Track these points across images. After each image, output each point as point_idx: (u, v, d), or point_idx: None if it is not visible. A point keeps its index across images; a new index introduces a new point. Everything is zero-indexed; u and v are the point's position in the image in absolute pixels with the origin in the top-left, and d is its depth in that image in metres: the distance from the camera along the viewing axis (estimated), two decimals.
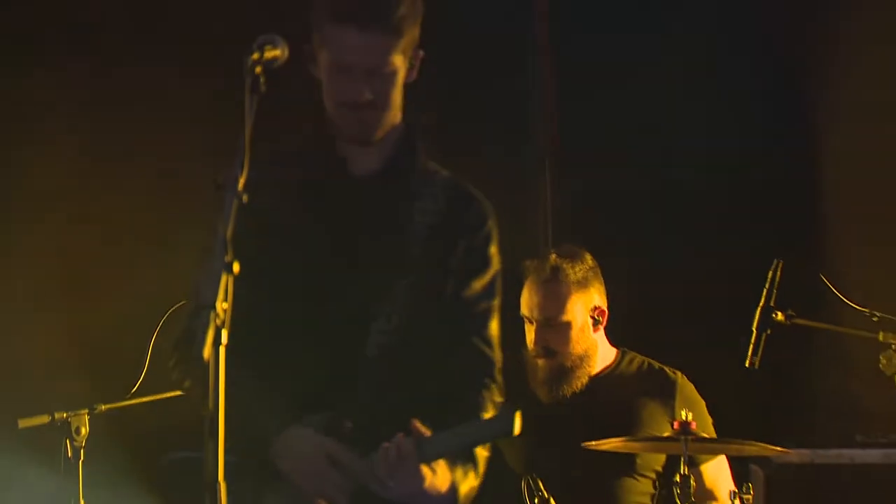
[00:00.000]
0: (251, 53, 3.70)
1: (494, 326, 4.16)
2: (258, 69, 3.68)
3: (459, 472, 3.95)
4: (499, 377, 4.14)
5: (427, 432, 3.86)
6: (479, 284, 4.13)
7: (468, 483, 3.99)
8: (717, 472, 5.78)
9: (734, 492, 5.38)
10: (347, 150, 4.10)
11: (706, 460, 5.72)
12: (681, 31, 7.14)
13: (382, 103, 4.01)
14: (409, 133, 4.13)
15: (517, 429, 3.76)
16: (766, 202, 7.10)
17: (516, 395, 5.92)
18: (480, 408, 4.06)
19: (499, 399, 4.12)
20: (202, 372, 3.89)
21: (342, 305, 4.03)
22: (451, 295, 4.10)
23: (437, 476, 3.90)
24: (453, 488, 3.94)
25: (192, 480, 4.04)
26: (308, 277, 4.04)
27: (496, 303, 4.16)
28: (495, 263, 4.16)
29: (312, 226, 4.07)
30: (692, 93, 7.11)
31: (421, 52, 4.03)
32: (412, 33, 4.00)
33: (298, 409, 3.96)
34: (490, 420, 3.92)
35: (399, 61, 3.99)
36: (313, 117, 4.11)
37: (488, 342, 4.15)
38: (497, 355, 4.15)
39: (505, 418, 3.81)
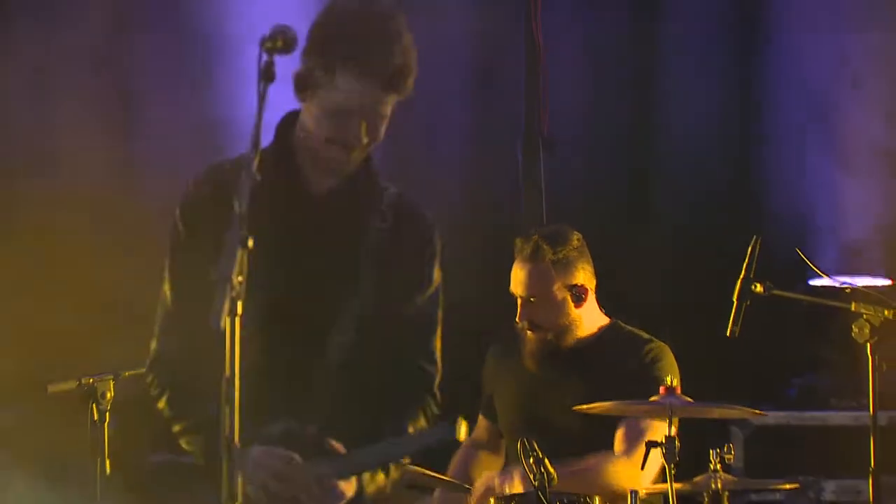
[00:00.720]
0: (265, 42, 3.72)
1: (436, 340, 4.15)
2: (270, 55, 3.71)
3: (367, 476, 3.98)
4: (436, 392, 4.14)
5: (342, 450, 3.91)
6: (421, 299, 4.12)
7: (375, 483, 4.01)
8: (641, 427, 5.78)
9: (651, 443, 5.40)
10: (309, 172, 4.06)
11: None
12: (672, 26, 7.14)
13: (372, 140, 3.98)
14: (367, 156, 4.06)
15: (462, 435, 3.77)
16: (745, 185, 7.11)
17: (511, 362, 6.01)
18: (413, 415, 4.08)
19: (435, 411, 4.13)
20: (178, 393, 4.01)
21: (307, 318, 4.04)
22: (396, 310, 4.09)
23: (347, 485, 3.95)
24: (360, 490, 3.97)
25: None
26: (270, 291, 3.97)
27: (438, 316, 4.15)
28: (437, 278, 4.14)
29: (272, 240, 3.94)
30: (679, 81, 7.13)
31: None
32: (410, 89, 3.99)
33: (263, 416, 3.95)
34: (434, 429, 3.93)
35: (394, 101, 3.97)
36: (276, 140, 4.06)
37: (429, 357, 4.14)
38: (437, 369, 4.15)
39: (446, 428, 3.81)
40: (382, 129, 3.97)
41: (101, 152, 6.94)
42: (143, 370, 5.68)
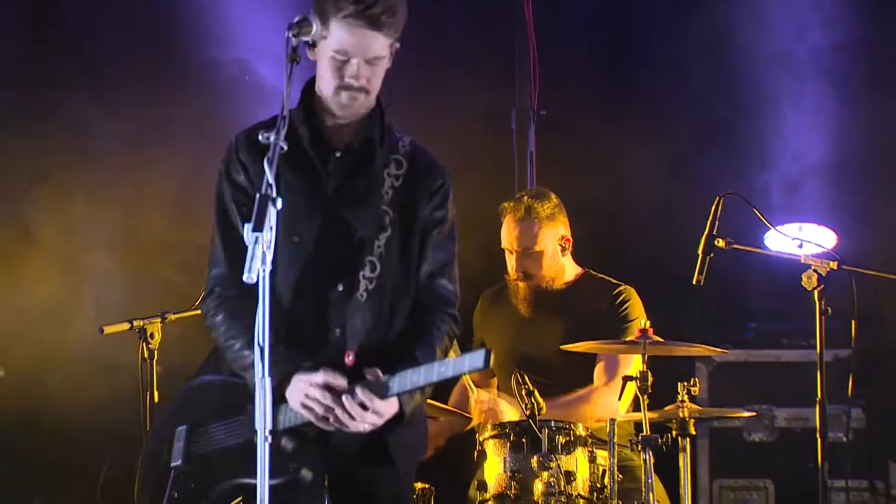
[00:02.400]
0: (290, 29, 3.75)
1: (454, 269, 4.18)
2: (296, 42, 3.73)
3: (406, 397, 3.97)
4: (457, 313, 4.16)
5: (379, 376, 3.90)
6: (439, 235, 4.14)
7: (413, 402, 4.02)
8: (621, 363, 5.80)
9: (626, 377, 5.42)
10: (330, 129, 4.08)
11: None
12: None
13: (372, 89, 4.02)
14: (381, 111, 4.12)
15: (491, 363, 3.76)
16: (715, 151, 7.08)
17: (502, 309, 6.02)
18: (440, 336, 4.08)
19: (457, 331, 4.16)
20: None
21: (338, 258, 4.04)
22: (419, 246, 4.11)
23: (388, 405, 3.95)
24: (401, 408, 3.97)
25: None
26: (309, 234, 4.04)
27: (454, 250, 4.17)
28: (452, 215, 4.16)
29: (303, 193, 4.05)
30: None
31: (398, 45, 4.03)
32: (399, 31, 4.01)
33: (307, 347, 3.99)
34: (463, 356, 3.86)
35: (387, 53, 4.00)
36: (300, 103, 4.09)
37: (450, 284, 4.16)
38: (457, 292, 4.17)
39: (478, 354, 3.79)
40: (379, 73, 4.02)
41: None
42: (187, 313, 5.71)
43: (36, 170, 6.87)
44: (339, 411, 3.88)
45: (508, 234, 5.93)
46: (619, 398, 5.59)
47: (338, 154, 4.08)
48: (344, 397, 3.88)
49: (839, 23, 7.05)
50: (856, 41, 7.05)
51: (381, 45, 3.96)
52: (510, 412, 5.67)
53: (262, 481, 3.49)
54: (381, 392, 3.89)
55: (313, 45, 3.95)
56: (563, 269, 5.97)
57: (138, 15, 7.05)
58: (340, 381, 3.90)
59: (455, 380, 6.07)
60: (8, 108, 6.96)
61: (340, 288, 4.02)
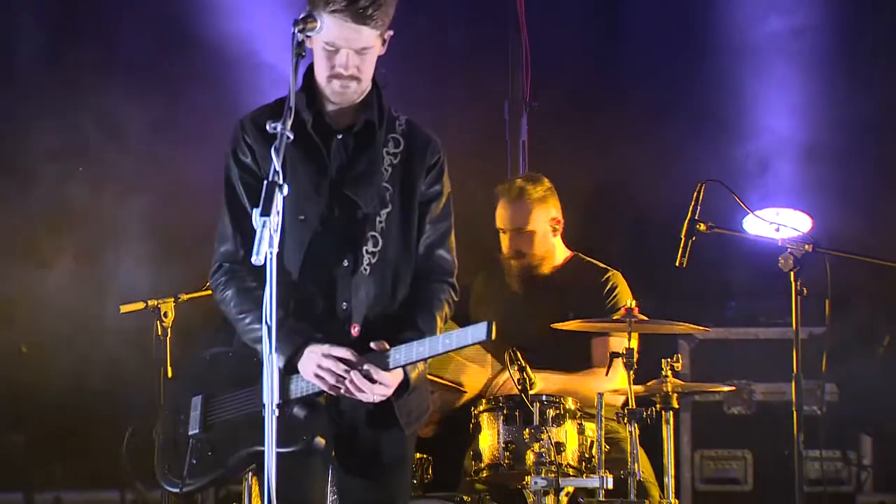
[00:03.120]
0: (296, 24, 3.74)
1: (451, 240, 4.19)
2: (301, 37, 3.73)
3: (409, 367, 3.98)
4: (455, 281, 4.17)
5: (385, 347, 3.92)
6: (437, 208, 4.15)
7: (417, 371, 4.04)
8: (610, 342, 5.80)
9: (613, 354, 5.43)
10: (331, 112, 4.08)
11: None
12: None
13: (362, 76, 4.02)
14: (378, 93, 4.12)
15: (494, 335, 3.79)
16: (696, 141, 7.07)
17: (496, 287, 6.02)
18: (439, 305, 4.10)
19: (455, 297, 4.17)
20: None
21: (342, 235, 4.05)
22: (418, 220, 4.12)
23: (393, 376, 3.96)
24: (405, 377, 3.99)
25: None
26: (314, 213, 4.05)
27: (450, 222, 4.18)
28: (447, 189, 4.17)
29: (308, 173, 4.05)
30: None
31: (390, 32, 4.04)
32: (389, 19, 4.01)
33: (316, 320, 3.99)
34: (466, 329, 3.88)
35: (377, 43, 4.00)
36: (302, 88, 4.08)
37: (448, 254, 4.17)
38: (454, 262, 4.18)
39: (481, 326, 3.81)
40: (368, 63, 4.02)
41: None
42: (198, 294, 5.71)
43: (70, 157, 6.85)
44: (348, 382, 3.90)
45: (502, 215, 5.95)
46: (607, 374, 5.61)
47: (339, 136, 4.09)
48: (352, 372, 3.89)
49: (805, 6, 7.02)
50: (819, 24, 7.00)
51: (368, 36, 3.97)
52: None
53: (270, 452, 3.49)
54: (385, 365, 3.91)
55: (310, 37, 3.94)
56: (553, 249, 5.99)
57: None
58: (349, 354, 3.91)
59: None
60: (43, 100, 6.94)
61: (346, 263, 4.03)
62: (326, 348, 3.92)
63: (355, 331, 3.99)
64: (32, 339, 6.89)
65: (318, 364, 3.91)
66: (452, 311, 4.16)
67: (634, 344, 5.40)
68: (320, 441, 3.98)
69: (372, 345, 3.93)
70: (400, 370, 3.95)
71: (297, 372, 3.96)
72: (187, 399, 4.17)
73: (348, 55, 3.97)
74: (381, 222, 4.04)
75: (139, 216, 6.81)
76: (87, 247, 6.83)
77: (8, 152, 6.88)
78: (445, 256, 4.16)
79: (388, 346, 3.92)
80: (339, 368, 3.90)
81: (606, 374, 5.54)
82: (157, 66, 7.00)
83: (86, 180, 6.87)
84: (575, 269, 6.01)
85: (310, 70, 4.09)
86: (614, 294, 5.91)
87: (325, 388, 3.93)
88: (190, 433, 4.11)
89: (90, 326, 6.78)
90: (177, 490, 4.14)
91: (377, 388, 3.91)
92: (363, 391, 3.91)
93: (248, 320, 4.01)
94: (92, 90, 6.83)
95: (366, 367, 3.90)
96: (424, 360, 3.94)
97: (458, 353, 5.78)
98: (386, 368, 3.91)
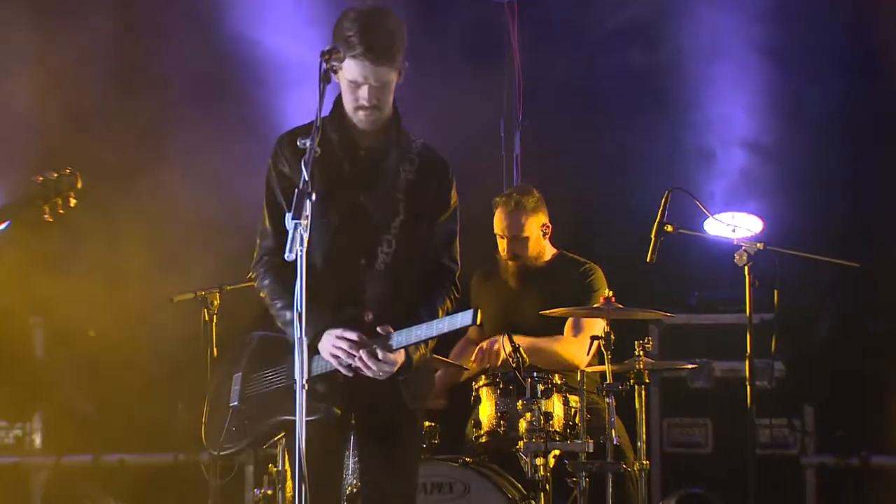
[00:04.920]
0: (323, 55, 3.75)
1: (456, 246, 4.19)
2: (327, 66, 3.73)
3: (412, 348, 4.00)
4: (457, 282, 4.17)
5: (392, 331, 3.93)
6: (444, 218, 4.15)
7: (418, 353, 4.05)
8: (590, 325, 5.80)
9: (594, 336, 5.43)
10: (355, 133, 4.10)
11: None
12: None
13: (383, 106, 4.04)
14: (397, 118, 4.14)
15: (478, 321, 3.79)
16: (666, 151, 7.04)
17: (493, 282, 6.01)
18: (442, 301, 4.10)
19: (457, 295, 4.17)
20: None
21: (361, 237, 4.06)
22: (427, 227, 4.12)
23: (398, 355, 3.98)
24: (408, 358, 4.00)
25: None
26: (338, 218, 4.06)
27: (456, 230, 4.19)
28: (454, 203, 4.18)
29: (336, 184, 4.06)
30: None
31: (406, 64, 4.05)
32: (402, 56, 4.02)
33: (335, 308, 4.00)
34: (456, 314, 3.90)
35: (394, 77, 4.02)
36: (332, 112, 4.11)
37: (451, 258, 4.17)
38: (457, 266, 4.19)
39: (467, 313, 3.83)
40: (387, 94, 4.04)
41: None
42: (241, 285, 5.70)
43: (126, 164, 6.85)
44: (358, 360, 3.90)
45: (500, 223, 5.94)
46: (588, 353, 5.61)
47: (362, 153, 4.10)
48: (361, 351, 3.90)
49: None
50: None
51: (384, 73, 3.98)
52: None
53: (301, 420, 3.51)
54: (389, 346, 3.92)
55: (335, 73, 3.95)
56: (544, 250, 6.01)
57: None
58: (357, 336, 3.92)
59: (457, 337, 6.08)
60: (102, 116, 6.95)
61: (363, 261, 4.04)
62: (340, 331, 3.94)
63: (369, 317, 4.00)
64: (100, 325, 6.90)
65: (333, 344, 3.93)
66: (454, 307, 4.16)
67: (601, 328, 5.41)
68: (336, 411, 3.99)
69: (378, 329, 3.95)
70: (403, 351, 3.96)
71: (318, 353, 3.98)
72: (229, 376, 4.18)
73: (369, 89, 3.99)
74: (394, 228, 4.05)
75: (197, 217, 6.82)
76: (154, 242, 6.82)
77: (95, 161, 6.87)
78: (450, 260, 4.16)
79: (392, 330, 3.94)
80: (352, 349, 3.92)
81: (588, 352, 5.55)
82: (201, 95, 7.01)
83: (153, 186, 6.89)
84: (560, 264, 6.01)
85: (339, 98, 4.11)
86: (590, 281, 5.90)
87: (337, 366, 3.95)
88: (230, 404, 4.13)
89: (150, 313, 6.78)
90: (217, 452, 4.17)
91: (382, 365, 3.92)
92: (371, 367, 3.92)
93: (279, 305, 4.04)
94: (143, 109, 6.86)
95: (374, 348, 3.92)
96: (423, 341, 3.94)
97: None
98: (390, 349, 3.92)
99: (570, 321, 5.84)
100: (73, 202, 5.23)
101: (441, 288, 4.11)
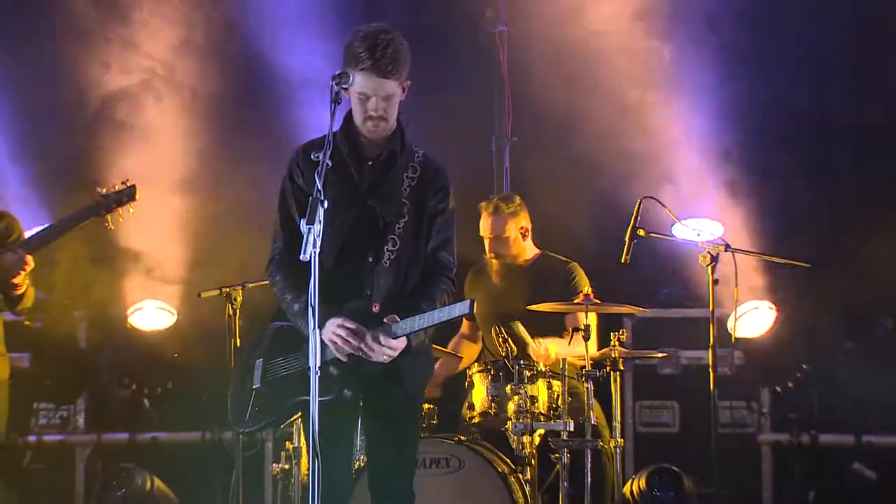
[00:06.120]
0: (333, 78, 3.76)
1: (453, 246, 4.18)
2: (338, 87, 3.74)
3: (413, 335, 3.98)
4: (454, 277, 4.17)
5: (396, 320, 3.91)
6: (442, 220, 4.15)
7: (418, 339, 4.03)
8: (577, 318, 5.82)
9: (574, 328, 5.48)
10: (364, 144, 4.11)
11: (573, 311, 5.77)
12: None
13: (389, 117, 4.05)
14: (401, 131, 4.14)
15: (473, 310, 3.79)
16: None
17: (483, 280, 6.03)
18: (440, 293, 4.09)
19: (453, 289, 4.16)
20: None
21: (368, 237, 4.06)
22: (427, 228, 4.13)
23: (399, 342, 3.97)
24: (409, 345, 3.99)
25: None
26: (349, 220, 4.06)
27: (452, 232, 4.18)
28: (452, 206, 4.18)
29: (346, 190, 4.07)
30: None
31: (408, 82, 4.06)
32: (406, 72, 4.03)
33: (345, 300, 3.99)
34: (454, 304, 3.89)
35: (399, 91, 4.03)
36: (343, 125, 4.12)
37: (450, 253, 4.16)
38: (454, 263, 4.17)
39: (464, 303, 3.82)
40: (393, 106, 4.04)
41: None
42: (261, 283, 5.71)
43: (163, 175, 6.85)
44: (363, 345, 3.91)
45: (484, 225, 5.97)
46: (569, 344, 5.62)
47: (369, 162, 4.11)
48: (367, 336, 3.91)
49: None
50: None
51: (391, 86, 3.99)
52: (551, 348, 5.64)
53: (313, 404, 3.53)
54: (392, 333, 3.92)
55: (346, 89, 3.97)
56: (524, 249, 5.99)
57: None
58: (357, 326, 3.91)
59: (455, 328, 6.10)
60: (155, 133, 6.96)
61: (370, 259, 4.04)
62: (341, 320, 3.93)
63: (376, 308, 3.99)
64: (135, 320, 6.91)
65: (333, 332, 3.92)
66: (451, 300, 4.13)
67: (594, 321, 5.43)
68: (348, 393, 3.99)
69: (385, 319, 3.95)
70: (404, 338, 3.95)
71: None
72: (252, 361, 4.20)
73: (377, 101, 3.99)
74: (398, 228, 4.05)
75: (226, 218, 6.84)
76: (186, 245, 6.84)
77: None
78: (447, 257, 4.15)
79: (398, 319, 3.93)
80: (350, 336, 3.91)
81: (569, 344, 5.58)
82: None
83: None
84: (543, 263, 6.02)
85: (349, 112, 4.12)
86: (574, 279, 5.91)
87: (335, 351, 3.93)
88: (253, 387, 4.13)
89: (181, 308, 6.80)
90: (241, 430, 4.17)
91: (385, 350, 3.91)
92: (374, 351, 3.91)
93: (288, 298, 4.04)
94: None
95: (378, 335, 3.91)
96: (423, 329, 3.92)
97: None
98: (393, 336, 3.92)
99: (569, 319, 5.81)
100: (131, 212, 5.29)
101: (439, 283, 4.10)
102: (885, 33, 6.78)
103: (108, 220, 5.27)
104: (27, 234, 5.30)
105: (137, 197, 5.27)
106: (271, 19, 7.05)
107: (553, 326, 5.80)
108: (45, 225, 5.33)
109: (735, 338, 5.73)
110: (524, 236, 6.00)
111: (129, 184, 5.29)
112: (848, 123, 6.84)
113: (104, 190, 5.27)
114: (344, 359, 3.95)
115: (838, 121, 6.89)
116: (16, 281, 5.11)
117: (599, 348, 5.49)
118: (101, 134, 6.97)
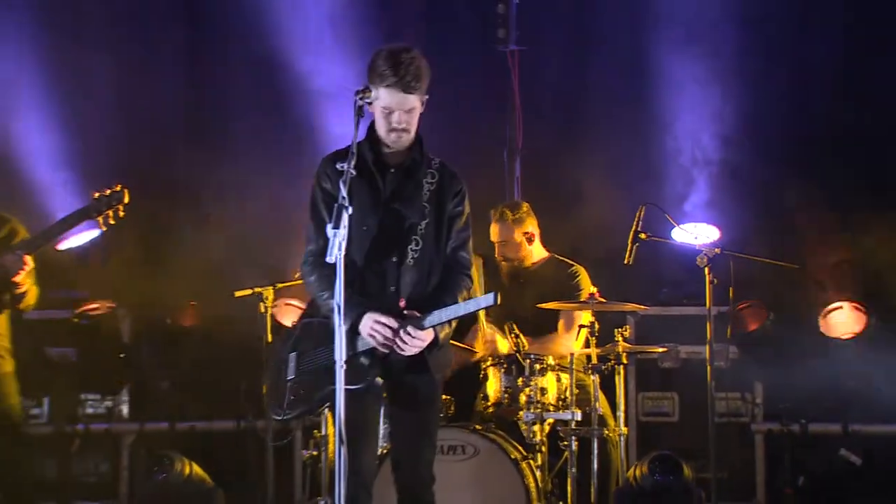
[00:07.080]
0: (357, 93, 3.75)
1: (470, 245, 4.19)
2: (361, 102, 3.72)
3: (439, 328, 4.00)
4: (471, 274, 4.16)
5: (417, 315, 3.91)
6: (460, 223, 4.16)
7: (444, 332, 4.05)
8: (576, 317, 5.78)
9: (581, 325, 5.47)
10: (387, 153, 4.11)
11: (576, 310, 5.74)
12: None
13: (410, 129, 4.06)
14: (420, 141, 4.15)
15: (498, 300, 3.79)
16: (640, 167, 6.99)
17: (493, 281, 6.00)
18: (460, 289, 4.09)
19: (470, 285, 4.16)
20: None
21: (393, 238, 4.06)
22: (447, 230, 4.13)
23: (426, 334, 3.97)
24: (435, 335, 4.00)
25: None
26: (376, 223, 4.07)
27: (469, 233, 4.19)
28: (467, 210, 4.18)
29: (370, 196, 4.07)
30: None
31: (427, 97, 4.06)
32: (426, 88, 4.04)
33: (373, 297, 4.00)
34: (479, 297, 3.90)
35: (419, 105, 4.04)
36: (367, 136, 4.12)
37: (468, 252, 4.17)
38: (471, 261, 4.17)
39: (490, 296, 3.82)
40: (415, 118, 4.05)
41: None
42: (290, 283, 5.67)
43: (206, 178, 6.83)
44: (397, 339, 3.92)
45: (492, 231, 5.96)
46: (576, 339, 5.59)
47: (392, 170, 4.12)
48: (400, 331, 3.92)
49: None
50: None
51: (413, 100, 4.01)
52: (502, 343, 5.66)
53: (339, 394, 3.50)
54: (421, 326, 3.92)
55: (370, 103, 3.98)
56: (530, 253, 5.97)
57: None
58: (393, 321, 3.93)
59: (470, 322, 6.07)
60: (188, 138, 6.96)
61: (395, 258, 4.04)
62: (378, 315, 3.94)
63: (402, 304, 4.00)
64: (175, 316, 6.90)
65: (371, 327, 3.93)
66: (469, 295, 4.14)
67: (587, 320, 5.39)
68: (379, 381, 3.99)
69: (405, 312, 3.96)
70: (431, 330, 3.96)
71: (359, 332, 3.98)
72: (285, 355, 4.19)
73: (400, 114, 4.00)
74: (421, 230, 4.06)
75: (257, 225, 6.81)
76: (220, 248, 6.81)
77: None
78: (465, 256, 4.15)
79: (417, 315, 3.93)
80: (386, 331, 3.93)
81: (575, 340, 5.54)
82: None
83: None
84: (550, 265, 5.99)
85: (373, 123, 4.12)
86: (576, 282, 5.88)
87: (375, 344, 3.95)
88: (287, 378, 4.13)
89: (216, 305, 6.78)
90: (279, 418, 4.16)
91: (415, 342, 3.92)
92: (406, 344, 3.92)
93: (325, 296, 4.03)
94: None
95: (408, 328, 3.92)
96: (449, 321, 3.93)
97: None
98: (421, 328, 3.92)
99: (562, 320, 5.81)
100: (122, 214, 5.26)
101: (459, 280, 4.11)
102: (876, 36, 6.72)
103: (99, 222, 5.24)
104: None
105: (126, 199, 5.23)
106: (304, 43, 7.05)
107: (553, 326, 5.78)
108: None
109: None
110: (530, 241, 5.96)
111: (119, 188, 5.25)
112: (841, 127, 6.77)
113: (96, 194, 5.24)
114: (385, 351, 3.95)
115: (830, 125, 6.82)
116: (16, 281, 5.09)
117: (600, 344, 5.45)
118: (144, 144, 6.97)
